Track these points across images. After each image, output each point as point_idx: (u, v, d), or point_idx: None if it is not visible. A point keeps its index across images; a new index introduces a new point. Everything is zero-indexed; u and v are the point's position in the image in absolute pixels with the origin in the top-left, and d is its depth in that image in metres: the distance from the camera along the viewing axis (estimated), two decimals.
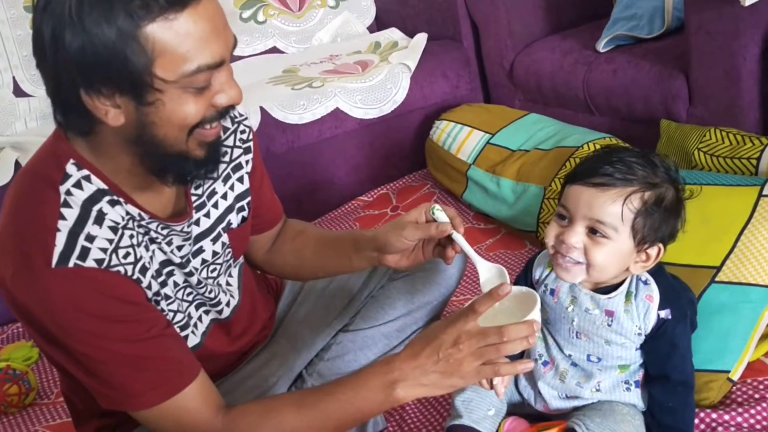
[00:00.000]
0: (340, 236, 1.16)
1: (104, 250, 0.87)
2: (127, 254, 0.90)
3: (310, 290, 1.30)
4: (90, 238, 0.86)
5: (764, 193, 1.26)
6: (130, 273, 0.90)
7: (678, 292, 1.05)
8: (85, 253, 0.86)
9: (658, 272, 1.04)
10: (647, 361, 1.05)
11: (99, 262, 0.87)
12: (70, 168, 0.88)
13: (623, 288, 1.03)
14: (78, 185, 0.88)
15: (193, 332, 1.05)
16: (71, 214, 0.87)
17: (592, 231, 0.98)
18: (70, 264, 0.85)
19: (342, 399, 0.92)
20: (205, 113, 0.85)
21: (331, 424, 0.93)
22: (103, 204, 0.89)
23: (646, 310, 1.01)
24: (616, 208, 0.96)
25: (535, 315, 0.88)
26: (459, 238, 0.98)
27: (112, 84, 0.80)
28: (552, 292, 1.09)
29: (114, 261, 0.88)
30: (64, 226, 0.86)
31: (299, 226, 1.25)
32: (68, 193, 0.87)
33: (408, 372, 0.88)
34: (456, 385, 0.88)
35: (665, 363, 1.02)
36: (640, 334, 1.02)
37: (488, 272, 0.99)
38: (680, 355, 1.02)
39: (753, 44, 1.52)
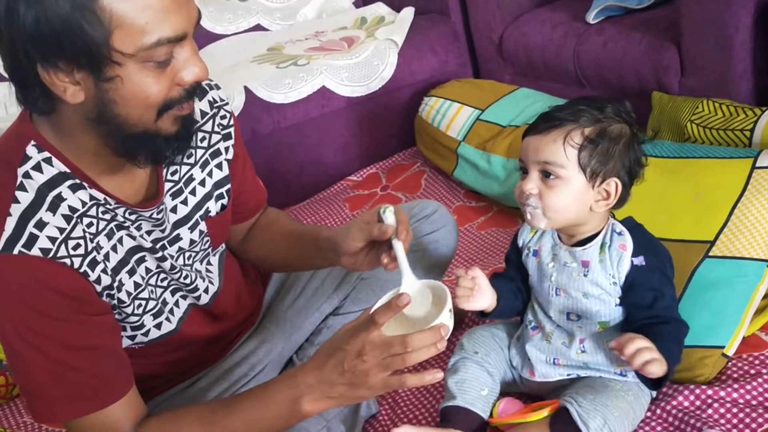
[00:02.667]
0: (303, 234, 1.14)
1: (53, 240, 0.85)
2: (78, 245, 0.87)
3: (299, 275, 1.28)
4: (40, 225, 0.84)
5: (758, 165, 1.24)
6: (77, 266, 0.87)
7: (654, 245, 1.06)
8: (32, 241, 0.83)
9: (635, 227, 1.07)
10: (632, 314, 1.05)
11: (45, 251, 0.84)
12: (31, 150, 0.86)
13: (598, 239, 1.05)
14: (38, 168, 0.85)
15: (168, 319, 1.02)
16: (25, 198, 0.84)
17: (546, 175, 1.02)
18: (15, 251, 0.82)
19: (248, 414, 0.90)
20: (169, 92, 0.83)
21: None
22: (63, 188, 0.86)
23: (619, 258, 1.03)
24: (557, 146, 1.01)
25: (444, 318, 0.84)
26: (397, 244, 0.95)
27: (68, 58, 0.77)
28: (535, 253, 1.12)
29: (62, 252, 0.85)
30: (16, 210, 0.83)
31: (272, 216, 1.22)
32: (26, 175, 0.85)
33: (314, 385, 0.86)
34: (364, 396, 0.86)
35: (652, 308, 1.03)
36: (615, 284, 1.04)
37: (410, 287, 0.93)
38: (665, 300, 1.03)
39: (745, 13, 1.49)
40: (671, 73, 1.66)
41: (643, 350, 0.96)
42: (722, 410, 1.05)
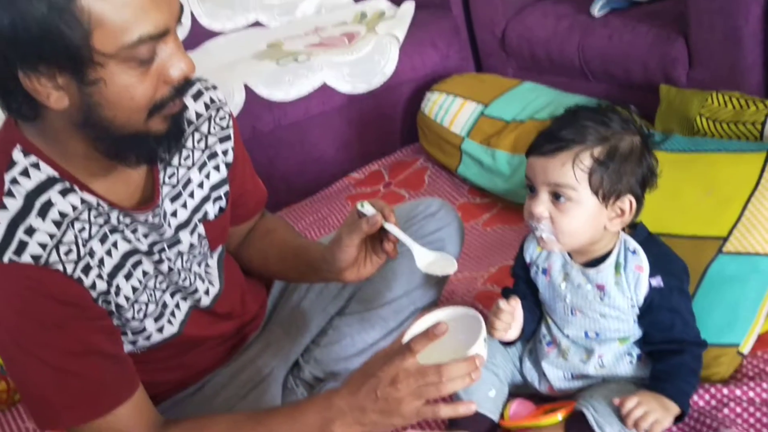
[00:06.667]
0: (299, 250, 1.11)
1: (43, 246, 0.82)
2: (69, 251, 0.85)
3: None
4: (30, 232, 0.82)
5: None
6: (70, 271, 0.85)
7: (670, 259, 1.03)
8: (22, 248, 0.81)
9: (648, 240, 1.03)
10: (651, 334, 1.03)
11: (36, 258, 0.82)
12: (17, 155, 0.84)
13: (611, 259, 1.01)
14: (25, 173, 0.83)
15: (169, 321, 1.00)
16: (13, 205, 0.82)
17: (556, 197, 0.98)
18: (5, 259, 0.81)
19: (276, 430, 0.89)
20: (157, 91, 0.81)
21: None
22: (52, 193, 0.84)
23: (636, 280, 1.00)
24: (567, 170, 0.96)
25: (479, 348, 0.83)
26: (391, 227, 0.95)
27: (49, 62, 0.75)
28: (544, 271, 1.08)
29: (53, 258, 0.83)
30: (5, 217, 0.81)
31: (270, 224, 1.20)
32: (13, 181, 0.83)
33: (346, 411, 0.85)
34: (396, 424, 0.85)
35: (670, 330, 1.01)
36: (633, 306, 1.01)
37: (426, 257, 0.96)
38: (683, 320, 1.01)
39: (754, 3, 1.48)
40: (679, 65, 1.64)
41: (646, 415, 0.94)
42: (738, 409, 1.03)
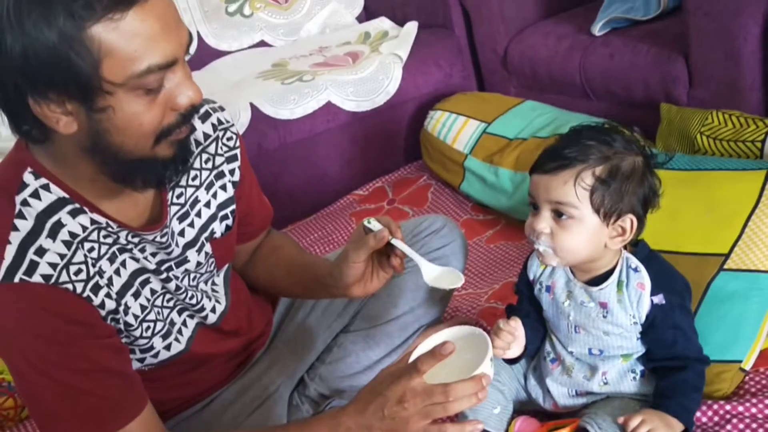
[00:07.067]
0: (306, 267, 1.13)
1: (54, 266, 0.84)
2: (79, 271, 0.86)
3: None
4: (40, 252, 0.83)
5: None
6: (80, 291, 0.86)
7: (672, 276, 1.04)
8: (32, 268, 0.83)
9: (650, 257, 1.03)
10: (653, 351, 1.03)
11: (46, 277, 0.83)
12: (28, 177, 0.85)
13: (614, 277, 1.02)
14: (35, 195, 0.85)
15: (177, 339, 1.02)
16: (25, 226, 0.84)
17: (558, 214, 0.99)
18: (16, 279, 0.82)
19: None
20: (165, 119, 0.82)
21: None
22: (62, 214, 0.86)
23: (638, 298, 1.00)
24: (569, 188, 0.97)
25: (485, 368, 0.84)
26: (398, 242, 0.96)
27: (59, 89, 0.76)
28: (548, 289, 1.08)
29: (63, 277, 0.85)
30: (16, 238, 0.83)
31: (277, 242, 1.21)
32: (24, 203, 0.84)
33: (354, 429, 0.85)
34: None
35: (673, 347, 1.01)
36: (636, 323, 1.01)
37: (433, 272, 0.97)
38: (686, 336, 1.01)
39: (753, 23, 1.49)
40: (679, 84, 1.66)
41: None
42: (741, 426, 1.03)
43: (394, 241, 0.96)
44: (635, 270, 1.02)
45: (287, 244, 1.21)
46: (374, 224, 0.97)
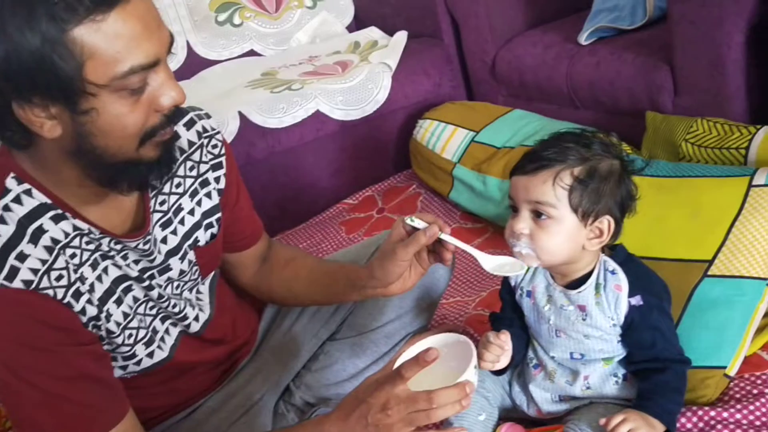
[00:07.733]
0: (333, 271, 1.13)
1: (35, 271, 0.84)
2: (60, 276, 0.86)
3: None
4: (21, 258, 0.83)
5: (754, 183, 1.24)
6: (60, 296, 0.86)
7: (649, 278, 1.05)
8: (13, 273, 0.82)
9: (628, 260, 1.04)
10: (633, 353, 1.04)
11: (27, 283, 0.83)
12: (10, 182, 0.85)
13: (592, 280, 1.03)
14: (17, 200, 0.85)
15: (160, 347, 1.01)
16: (6, 231, 0.83)
17: (537, 215, 0.99)
18: None
19: None
20: (148, 120, 0.82)
21: None
22: (44, 220, 0.85)
23: (616, 299, 1.01)
24: (547, 187, 0.98)
25: (469, 375, 0.84)
26: (449, 237, 0.97)
27: (42, 92, 0.77)
28: (528, 294, 1.09)
29: (44, 283, 0.84)
30: None
31: (289, 254, 1.21)
32: (6, 208, 0.84)
33: None
34: None
35: (652, 348, 1.02)
36: (615, 325, 1.02)
37: (492, 261, 0.99)
38: (665, 338, 1.02)
39: (737, 32, 1.50)
40: (665, 92, 1.67)
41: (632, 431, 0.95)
42: None
43: (444, 237, 0.96)
44: (612, 272, 1.03)
45: (299, 255, 1.21)
46: (417, 223, 0.97)
